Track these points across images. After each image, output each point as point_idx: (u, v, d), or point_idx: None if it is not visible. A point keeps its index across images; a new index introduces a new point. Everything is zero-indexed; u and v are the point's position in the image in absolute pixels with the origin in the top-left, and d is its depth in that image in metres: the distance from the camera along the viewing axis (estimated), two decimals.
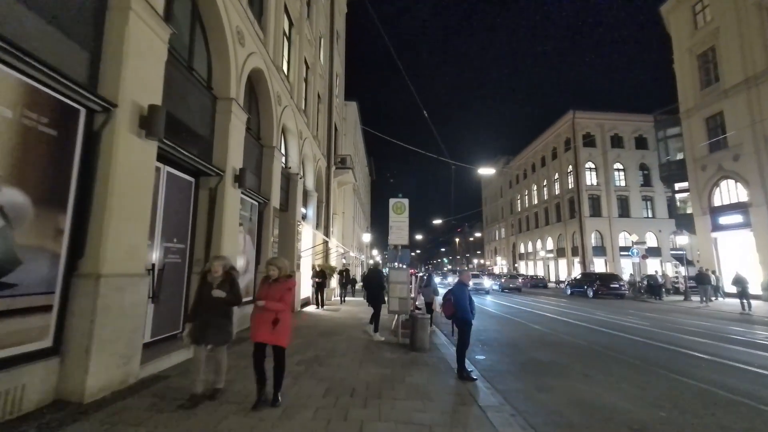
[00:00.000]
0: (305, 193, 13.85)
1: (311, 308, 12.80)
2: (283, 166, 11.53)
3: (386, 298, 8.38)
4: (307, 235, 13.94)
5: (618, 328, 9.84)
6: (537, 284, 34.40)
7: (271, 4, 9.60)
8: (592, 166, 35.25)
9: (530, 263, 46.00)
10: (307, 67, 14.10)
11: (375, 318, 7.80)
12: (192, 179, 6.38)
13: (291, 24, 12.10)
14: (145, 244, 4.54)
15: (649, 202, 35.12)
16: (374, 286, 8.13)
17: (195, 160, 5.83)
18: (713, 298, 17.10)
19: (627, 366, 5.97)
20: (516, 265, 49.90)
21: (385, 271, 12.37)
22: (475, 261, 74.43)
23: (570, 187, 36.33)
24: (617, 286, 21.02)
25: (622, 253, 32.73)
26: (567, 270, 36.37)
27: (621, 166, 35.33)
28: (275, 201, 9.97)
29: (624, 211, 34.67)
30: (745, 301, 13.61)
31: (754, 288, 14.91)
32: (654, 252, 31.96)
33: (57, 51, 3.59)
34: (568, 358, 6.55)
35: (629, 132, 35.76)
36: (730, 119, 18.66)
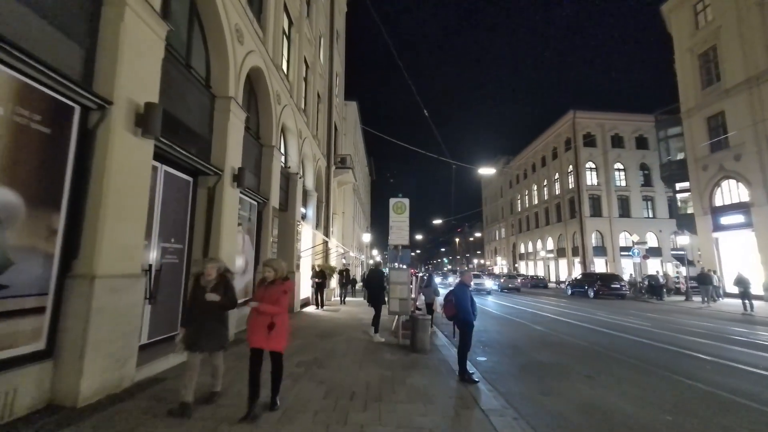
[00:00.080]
0: (305, 193, 13.78)
1: (311, 309, 12.73)
2: (283, 165, 11.46)
3: (387, 299, 8.31)
4: (307, 235, 13.87)
5: (620, 329, 9.77)
6: (537, 284, 34.35)
7: (271, 3, 9.53)
8: (593, 166, 35.19)
9: (530, 263, 45.93)
10: (307, 67, 14.02)
11: (375, 319, 7.73)
12: (190, 178, 6.31)
13: (290, 23, 12.02)
14: (142, 245, 4.46)
15: (649, 202, 35.07)
16: (375, 286, 8.06)
17: (193, 159, 5.76)
18: (714, 299, 17.02)
19: (630, 367, 5.90)
20: (516, 265, 49.83)
21: (386, 271, 12.30)
22: (475, 261, 74.35)
23: (570, 187, 36.27)
24: (618, 286, 20.94)
25: (622, 253, 32.68)
26: (567, 270, 36.29)
27: (621, 166, 35.27)
28: (275, 201, 9.90)
29: (624, 211, 34.62)
30: (747, 301, 13.54)
31: (756, 288, 14.83)
32: (654, 252, 31.90)
33: (51, 47, 3.52)
34: (570, 359, 6.47)
35: (630, 132, 35.70)
36: (732, 119, 18.59)
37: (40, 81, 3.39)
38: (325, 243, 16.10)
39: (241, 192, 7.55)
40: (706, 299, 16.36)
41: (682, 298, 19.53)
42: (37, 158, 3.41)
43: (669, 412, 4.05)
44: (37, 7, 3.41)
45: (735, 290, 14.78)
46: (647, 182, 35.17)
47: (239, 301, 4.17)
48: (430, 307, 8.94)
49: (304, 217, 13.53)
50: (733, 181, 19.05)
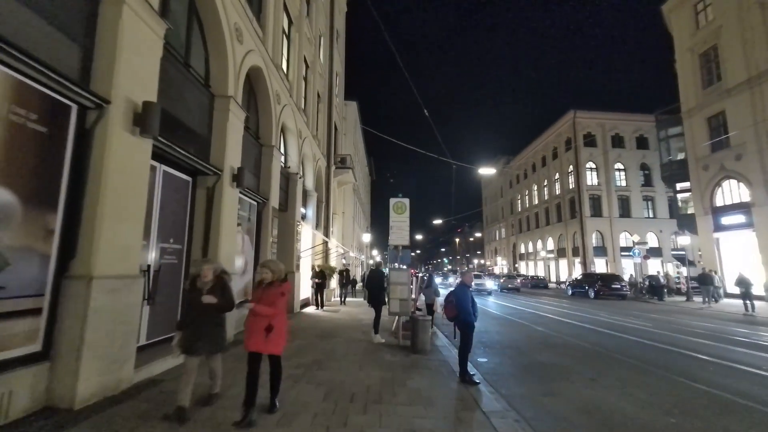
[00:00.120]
0: (305, 193, 13.74)
1: (311, 309, 12.69)
2: (283, 165, 11.42)
3: (387, 299, 8.27)
4: (307, 236, 13.83)
5: (621, 330, 9.73)
6: (537, 284, 34.29)
7: (270, 2, 9.49)
8: (593, 166, 35.15)
9: (531, 263, 45.89)
10: (307, 66, 13.98)
11: (375, 320, 7.69)
12: (189, 178, 6.27)
13: (290, 22, 11.98)
14: (140, 245, 4.42)
15: (650, 202, 35.03)
16: (375, 286, 8.02)
17: (192, 158, 5.72)
18: (716, 299, 16.96)
19: (632, 369, 5.86)
20: (516, 265, 49.78)
21: (386, 271, 12.26)
22: (476, 261, 74.31)
23: (571, 187, 36.23)
24: (619, 286, 20.89)
25: (623, 253, 32.64)
26: (568, 270, 36.25)
27: (622, 166, 35.23)
28: (274, 201, 9.86)
29: (625, 211, 34.58)
30: (748, 302, 13.49)
31: (757, 289, 14.78)
32: (655, 252, 31.85)
33: (47, 45, 3.48)
34: (572, 360, 6.43)
35: (630, 132, 35.66)
36: (733, 119, 18.54)
37: (37, 79, 3.35)
38: (325, 243, 16.06)
39: (240, 192, 7.51)
40: (707, 300, 16.31)
41: (683, 298, 19.48)
42: (34, 158, 3.37)
43: (672, 414, 4.00)
44: (34, 5, 3.37)
45: (736, 290, 14.73)
46: (648, 182, 35.13)
47: (238, 301, 4.11)
48: (430, 307, 8.90)
49: (303, 217, 13.49)
50: (734, 181, 19.00)
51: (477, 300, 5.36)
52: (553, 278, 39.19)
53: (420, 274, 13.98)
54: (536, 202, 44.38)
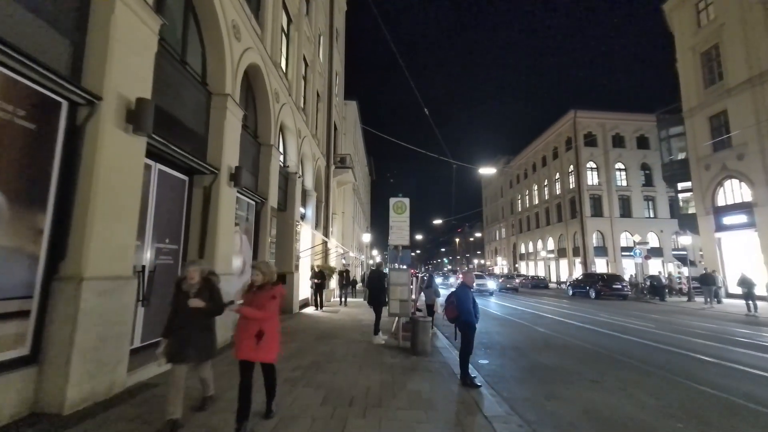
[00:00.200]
0: (304, 193, 13.64)
1: (310, 310, 12.59)
2: (281, 164, 11.32)
3: (387, 300, 8.17)
4: (306, 236, 13.73)
5: (623, 331, 9.62)
6: (538, 285, 34.16)
7: (269, 0, 9.39)
8: (594, 165, 35.03)
9: (531, 263, 45.78)
10: (306, 65, 13.88)
11: (375, 321, 7.59)
12: (185, 177, 6.17)
13: (290, 20, 11.88)
14: (133, 245, 4.31)
15: (650, 202, 34.92)
16: (375, 287, 7.91)
17: (188, 157, 5.61)
18: (718, 300, 16.85)
19: (636, 371, 5.76)
20: (516, 265, 49.66)
21: (386, 271, 12.17)
22: (476, 261, 74.22)
23: (571, 186, 36.12)
24: (620, 286, 20.76)
25: (623, 253, 32.53)
26: (568, 270, 36.13)
27: (622, 166, 35.12)
28: (273, 200, 9.75)
29: (626, 211, 34.47)
30: (750, 302, 13.39)
31: (759, 289, 14.68)
32: (656, 252, 31.77)
33: (36, 39, 3.38)
34: (575, 362, 6.33)
35: (631, 131, 35.55)
36: (735, 118, 18.43)
37: (25, 74, 3.25)
38: (325, 243, 15.96)
39: (238, 191, 7.40)
40: (709, 300, 16.22)
41: (685, 298, 19.39)
42: (22, 155, 3.27)
43: (678, 418, 3.90)
44: None
45: (738, 291, 14.63)
46: (648, 182, 35.02)
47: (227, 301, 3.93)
48: (430, 308, 8.80)
49: (303, 217, 13.39)
50: (735, 181, 18.89)
51: (478, 300, 5.26)
52: (554, 278, 39.08)
53: (420, 275, 13.87)
54: (536, 201, 44.26)
